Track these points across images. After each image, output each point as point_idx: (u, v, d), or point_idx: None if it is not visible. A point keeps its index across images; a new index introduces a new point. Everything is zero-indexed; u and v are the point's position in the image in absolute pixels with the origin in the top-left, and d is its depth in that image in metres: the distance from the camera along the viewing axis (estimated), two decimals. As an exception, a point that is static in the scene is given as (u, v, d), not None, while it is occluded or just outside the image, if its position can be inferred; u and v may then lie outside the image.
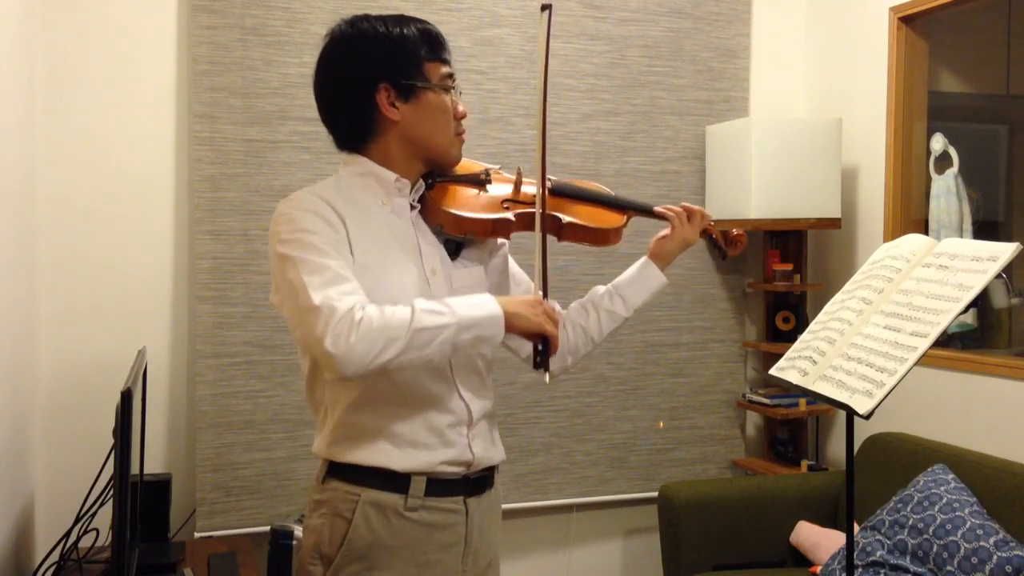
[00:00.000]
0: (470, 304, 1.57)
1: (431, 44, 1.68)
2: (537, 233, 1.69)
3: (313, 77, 1.72)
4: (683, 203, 1.97)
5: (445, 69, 1.70)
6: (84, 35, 2.90)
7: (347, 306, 1.49)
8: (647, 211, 1.96)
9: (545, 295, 1.67)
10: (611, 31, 3.40)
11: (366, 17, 1.68)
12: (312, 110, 2.98)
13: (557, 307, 1.79)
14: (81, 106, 2.91)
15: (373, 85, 1.65)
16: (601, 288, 1.92)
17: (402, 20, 1.68)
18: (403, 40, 1.65)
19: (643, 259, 1.93)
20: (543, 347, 1.63)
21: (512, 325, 1.59)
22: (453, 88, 1.71)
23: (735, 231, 2.03)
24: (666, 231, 1.95)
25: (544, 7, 1.71)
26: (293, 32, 3.03)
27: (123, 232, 2.96)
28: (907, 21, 3.22)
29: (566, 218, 1.83)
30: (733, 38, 3.57)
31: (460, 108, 1.72)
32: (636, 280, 1.91)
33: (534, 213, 1.74)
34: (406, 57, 1.65)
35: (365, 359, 1.47)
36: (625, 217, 1.92)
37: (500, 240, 1.85)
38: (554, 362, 1.81)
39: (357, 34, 1.66)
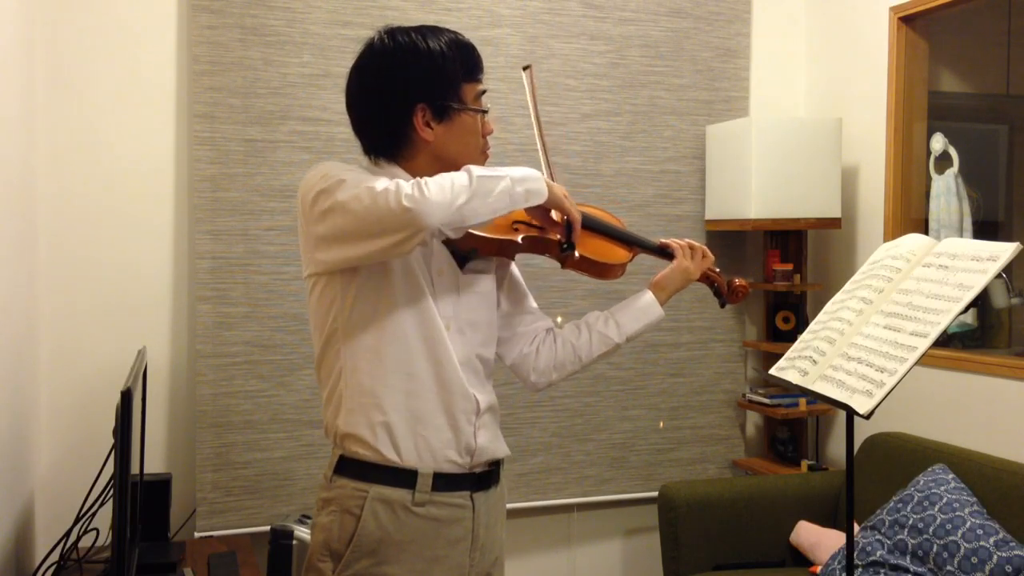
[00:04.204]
0: (514, 168, 1.65)
1: (467, 63, 1.71)
2: (537, 136, 1.85)
3: (348, 85, 1.74)
4: (686, 239, 2.00)
5: (479, 88, 1.74)
6: (84, 35, 2.90)
7: (410, 182, 1.54)
8: (653, 248, 1.98)
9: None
10: (611, 31, 3.40)
11: (406, 31, 1.69)
12: (312, 110, 3.04)
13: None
14: (81, 106, 2.91)
15: (411, 105, 1.67)
16: (598, 312, 1.94)
17: (439, 34, 1.70)
18: (442, 59, 1.67)
19: (643, 289, 1.96)
20: (567, 230, 1.74)
21: (552, 192, 1.68)
22: (486, 111, 1.75)
23: (739, 281, 2.04)
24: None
25: (525, 67, 1.88)
26: (293, 32, 3.03)
27: (123, 232, 2.96)
28: (907, 21, 3.22)
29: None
30: (733, 38, 3.57)
31: (489, 126, 1.76)
32: (633, 308, 1.93)
33: (542, 239, 1.79)
34: (445, 78, 1.68)
35: (444, 205, 1.51)
36: (632, 253, 1.94)
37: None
38: (539, 375, 1.90)
39: (396, 49, 1.67)
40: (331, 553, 1.67)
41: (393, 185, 1.52)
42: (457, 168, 1.71)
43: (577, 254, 1.78)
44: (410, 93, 1.67)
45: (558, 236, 1.76)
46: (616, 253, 1.91)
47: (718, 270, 2.04)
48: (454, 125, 1.70)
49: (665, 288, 1.96)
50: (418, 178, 1.54)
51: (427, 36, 1.68)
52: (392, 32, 1.70)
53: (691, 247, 1.98)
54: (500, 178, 1.59)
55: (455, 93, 1.69)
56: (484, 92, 1.75)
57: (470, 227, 1.59)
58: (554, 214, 1.74)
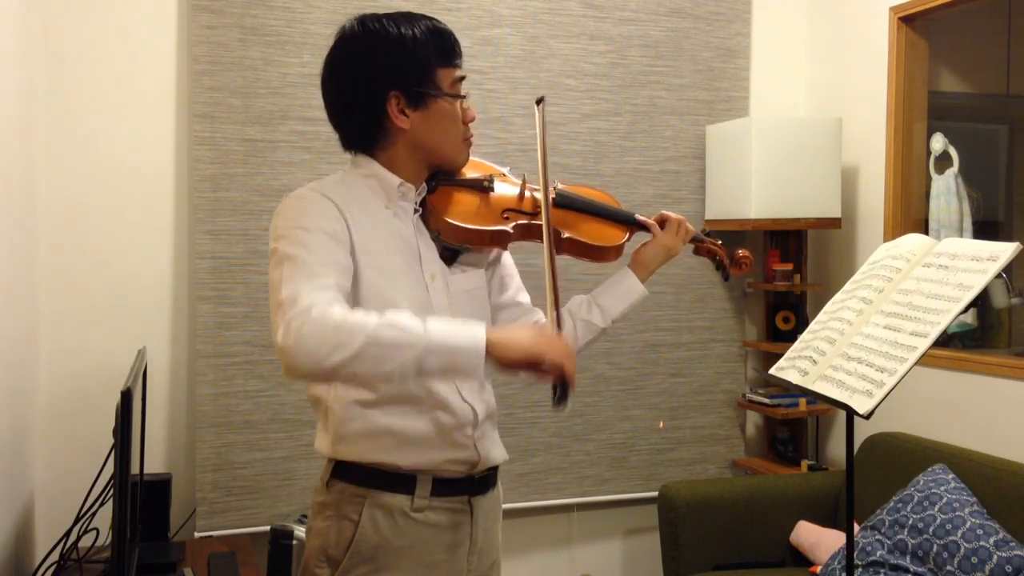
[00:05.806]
0: (449, 329, 1.42)
1: (443, 48, 1.64)
2: (547, 270, 1.64)
3: (322, 76, 1.69)
4: (662, 211, 1.92)
5: (457, 73, 1.67)
6: (84, 35, 2.90)
7: (309, 301, 1.41)
8: (638, 224, 1.91)
9: (559, 327, 1.60)
10: (611, 31, 3.40)
11: (377, 18, 1.64)
12: (312, 110, 3.04)
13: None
14: (81, 106, 2.91)
15: (384, 92, 1.61)
16: (581, 297, 1.88)
17: (413, 20, 1.64)
18: (415, 45, 1.61)
19: (623, 268, 1.89)
20: (559, 382, 1.47)
21: (501, 356, 1.41)
22: (463, 97, 1.68)
23: (742, 252, 1.97)
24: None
25: (538, 100, 1.74)
26: (293, 32, 3.03)
27: (123, 232, 2.96)
28: (907, 21, 3.22)
29: (566, 233, 1.80)
30: (733, 38, 3.57)
31: (469, 112, 1.69)
32: (615, 290, 1.86)
33: (533, 224, 1.74)
34: (418, 64, 1.61)
35: (314, 356, 1.37)
36: (628, 233, 1.88)
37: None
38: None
39: (368, 36, 1.62)
40: (328, 559, 1.64)
41: (290, 303, 1.41)
42: (437, 157, 1.67)
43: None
44: (382, 80, 1.61)
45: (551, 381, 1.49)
46: (610, 234, 1.85)
47: (720, 242, 1.98)
48: (430, 112, 1.63)
49: (647, 265, 1.87)
50: (312, 307, 1.39)
51: (399, 22, 1.62)
52: (363, 19, 1.64)
53: (663, 218, 1.89)
54: (408, 346, 1.37)
55: (429, 79, 1.62)
56: (463, 79, 1.68)
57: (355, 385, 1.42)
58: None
